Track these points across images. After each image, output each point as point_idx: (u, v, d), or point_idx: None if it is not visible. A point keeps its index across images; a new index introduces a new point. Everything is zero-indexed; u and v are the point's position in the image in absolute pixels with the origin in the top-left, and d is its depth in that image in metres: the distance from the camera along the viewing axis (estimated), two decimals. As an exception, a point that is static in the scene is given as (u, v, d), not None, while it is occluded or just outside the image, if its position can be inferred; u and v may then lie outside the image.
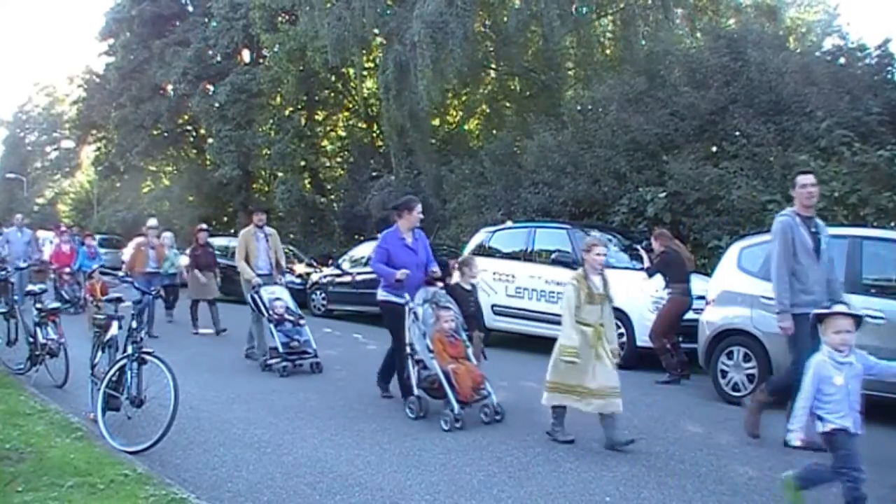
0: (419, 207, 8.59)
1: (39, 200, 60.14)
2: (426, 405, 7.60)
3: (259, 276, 10.95)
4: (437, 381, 7.44)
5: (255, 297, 10.74)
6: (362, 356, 11.62)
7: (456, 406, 7.18)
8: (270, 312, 10.55)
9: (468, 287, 8.97)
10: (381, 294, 8.33)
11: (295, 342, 10.38)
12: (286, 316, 10.64)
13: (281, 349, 10.15)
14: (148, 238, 14.24)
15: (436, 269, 8.47)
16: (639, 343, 10.95)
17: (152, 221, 15.28)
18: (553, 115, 19.13)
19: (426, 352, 7.65)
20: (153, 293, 8.58)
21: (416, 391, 7.67)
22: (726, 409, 8.42)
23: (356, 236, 25.35)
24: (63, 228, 19.55)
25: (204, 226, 16.52)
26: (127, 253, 18.03)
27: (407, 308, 7.83)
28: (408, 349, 7.77)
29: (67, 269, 17.41)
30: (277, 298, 10.78)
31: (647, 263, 10.69)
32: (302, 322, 10.76)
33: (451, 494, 5.34)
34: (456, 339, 7.85)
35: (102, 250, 20.20)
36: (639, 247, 11.52)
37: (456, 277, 9.18)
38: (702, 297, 9.87)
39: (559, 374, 6.67)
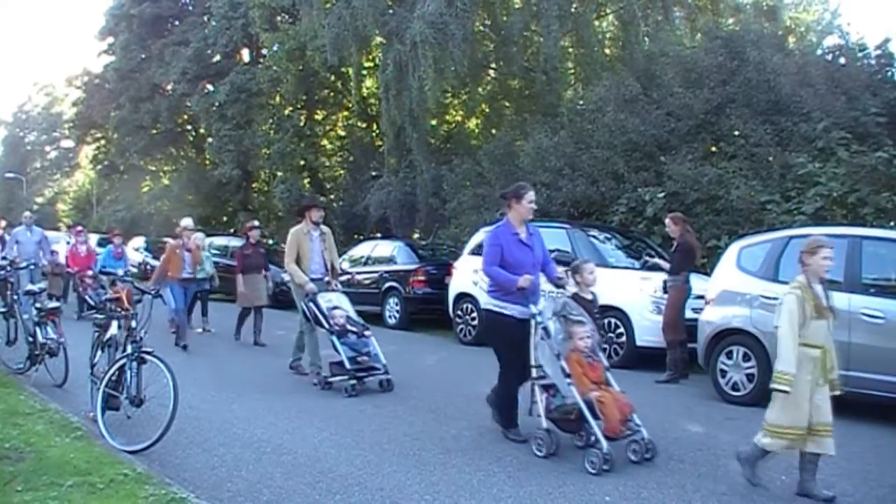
0: (531, 195, 6.95)
1: (39, 200, 60.12)
2: (556, 439, 6.37)
3: (312, 280, 9.64)
4: (575, 412, 6.18)
5: (311, 305, 9.48)
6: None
7: (604, 443, 5.90)
8: (331, 323, 9.27)
9: (589, 296, 7.46)
10: (491, 304, 6.90)
11: (363, 357, 9.11)
12: (348, 327, 9.38)
13: (348, 365, 8.87)
14: (183, 240, 12.93)
15: (559, 272, 7.24)
16: (638, 343, 10.97)
17: (187, 221, 13.58)
18: (552, 115, 19.13)
19: (561, 376, 6.30)
20: (153, 293, 8.53)
21: (545, 423, 6.36)
22: (726, 408, 8.42)
23: (355, 236, 25.36)
24: (79, 228, 17.92)
25: (256, 223, 14.99)
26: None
27: (534, 322, 6.52)
28: (535, 372, 6.49)
29: (90, 273, 15.83)
30: (336, 307, 9.55)
31: (666, 267, 10.63)
32: (367, 333, 9.44)
33: (451, 494, 5.34)
34: (595, 361, 6.58)
35: (100, 249, 18.70)
36: (649, 260, 11.51)
37: (571, 286, 7.45)
38: (701, 297, 9.88)
39: (782, 412, 5.38)
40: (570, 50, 22.69)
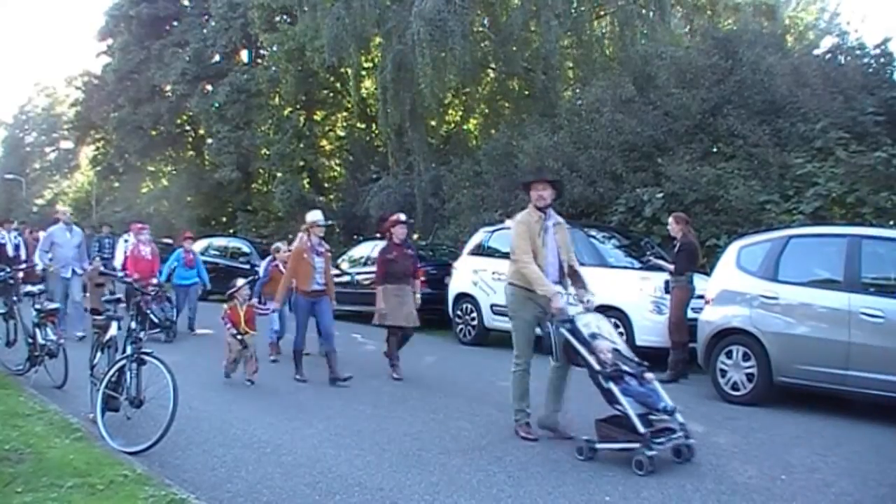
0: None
1: (38, 201, 60.06)
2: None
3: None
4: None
5: (563, 332, 6.47)
6: (361, 356, 11.62)
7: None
8: (601, 360, 6.28)
9: None
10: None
11: (658, 413, 6.13)
12: (622, 366, 6.31)
13: (640, 427, 5.89)
14: (310, 240, 9.68)
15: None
16: (638, 343, 10.94)
17: (316, 215, 9.93)
18: (551, 115, 19.13)
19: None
20: (151, 294, 8.49)
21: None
22: (726, 408, 8.41)
23: (355, 236, 25.33)
24: (140, 225, 14.35)
25: (402, 216, 10.70)
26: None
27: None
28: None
29: (154, 281, 13.00)
30: (597, 334, 6.54)
31: (668, 267, 10.61)
32: (648, 376, 6.35)
33: (451, 494, 5.33)
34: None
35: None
36: (652, 259, 11.50)
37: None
38: (701, 297, 9.88)
39: None
40: (569, 50, 22.69)
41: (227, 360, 9.39)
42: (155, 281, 13.04)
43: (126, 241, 15.99)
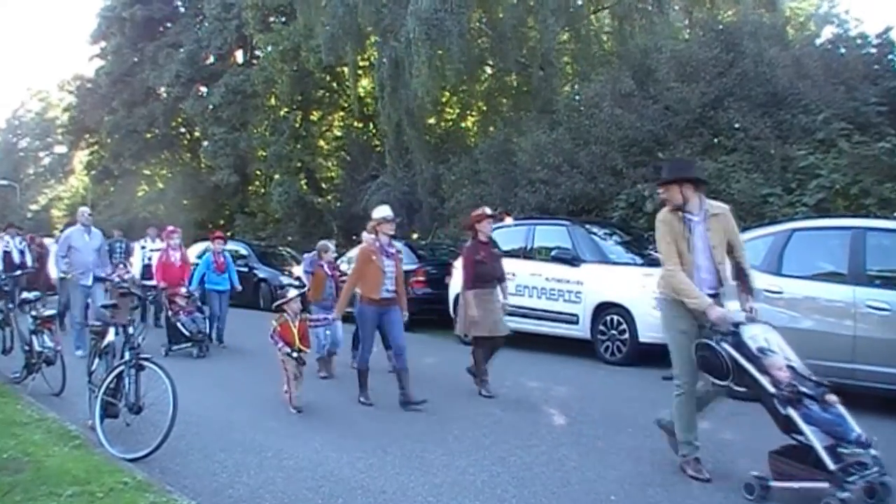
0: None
1: (33, 207, 59.97)
2: None
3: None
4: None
5: (729, 349, 5.43)
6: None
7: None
8: (777, 382, 5.23)
9: None
10: None
11: (849, 445, 4.92)
12: (801, 388, 5.22)
13: (830, 462, 4.84)
14: (379, 240, 8.50)
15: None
16: (641, 339, 10.96)
17: (384, 210, 8.71)
18: (549, 111, 19.12)
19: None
20: (148, 297, 8.43)
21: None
22: (731, 404, 8.35)
23: (353, 237, 25.31)
24: (171, 228, 13.44)
25: (488, 210, 9.58)
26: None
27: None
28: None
29: (183, 291, 12.36)
30: (766, 349, 5.46)
31: None
32: (830, 398, 5.19)
33: (455, 496, 5.33)
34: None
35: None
36: (654, 252, 11.49)
37: None
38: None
39: None
40: (567, 45, 22.68)
41: (286, 386, 8.13)
42: (184, 290, 12.40)
43: (143, 247, 15.62)
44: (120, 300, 8.02)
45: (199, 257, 14.64)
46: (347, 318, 9.49)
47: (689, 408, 5.81)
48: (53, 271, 13.55)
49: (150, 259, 14.89)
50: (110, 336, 7.27)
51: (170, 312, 12.09)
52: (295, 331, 8.30)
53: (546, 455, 6.30)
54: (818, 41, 18.25)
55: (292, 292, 8.89)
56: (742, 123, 14.91)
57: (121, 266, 13.85)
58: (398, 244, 10.18)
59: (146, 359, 6.52)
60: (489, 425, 7.28)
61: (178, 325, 11.84)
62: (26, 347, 9.09)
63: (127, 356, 6.64)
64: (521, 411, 7.75)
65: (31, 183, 61.38)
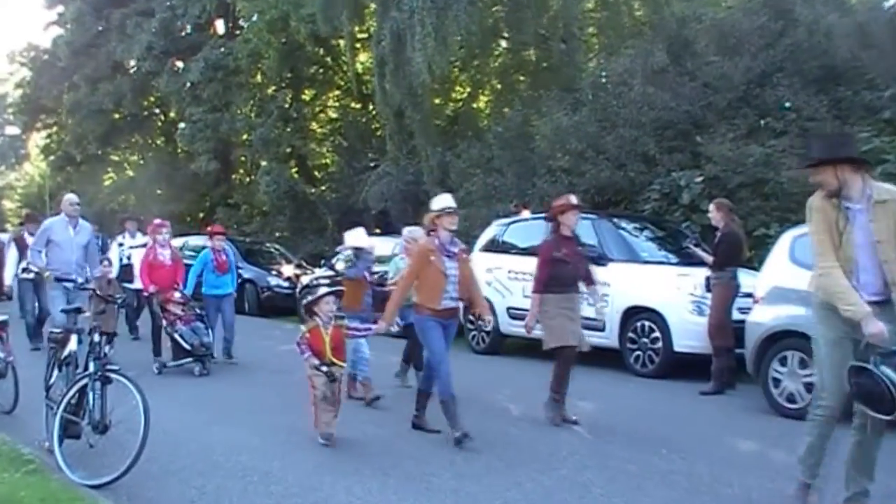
0: None
1: (-19, 196, 59.98)
2: None
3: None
4: None
5: (890, 372, 4.84)
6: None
7: None
8: None
9: None
10: None
11: None
12: None
13: None
14: (438, 235, 7.84)
15: None
16: (676, 349, 10.90)
17: (445, 200, 8.03)
18: (572, 90, 19.06)
19: None
20: (122, 300, 8.25)
21: None
22: (780, 423, 8.35)
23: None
24: (159, 221, 12.83)
25: (573, 198, 9.07)
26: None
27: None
28: None
29: (177, 296, 11.87)
30: None
31: (708, 259, 10.55)
32: None
33: (465, 527, 5.31)
34: None
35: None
36: (690, 246, 11.44)
37: None
38: (749, 295, 9.81)
39: None
40: (593, 14, 22.61)
41: (313, 407, 7.57)
42: (178, 295, 11.84)
43: (121, 244, 15.22)
44: (107, 306, 8.01)
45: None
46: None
47: (824, 435, 5.40)
48: (8, 273, 13.45)
49: (129, 258, 14.58)
50: (72, 345, 7.15)
51: (164, 322, 11.50)
52: (327, 339, 7.67)
53: (568, 480, 6.27)
54: (886, 4, 18.06)
55: (323, 289, 8.10)
56: (793, 102, 14.83)
57: (106, 263, 13.26)
58: (401, 239, 9.96)
59: (114, 370, 6.46)
60: (503, 446, 7.23)
61: (177, 336, 11.26)
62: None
63: (92, 367, 6.55)
64: (539, 429, 7.71)
65: (-24, 170, 61.27)
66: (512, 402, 8.90)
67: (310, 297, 7.93)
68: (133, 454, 5.95)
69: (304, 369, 7.65)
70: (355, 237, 10.19)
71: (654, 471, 6.48)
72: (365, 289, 9.90)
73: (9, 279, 13.51)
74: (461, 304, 7.99)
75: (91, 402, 6.41)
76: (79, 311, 7.48)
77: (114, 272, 13.84)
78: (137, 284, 13.09)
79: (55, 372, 7.36)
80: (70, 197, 11.54)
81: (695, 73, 16.38)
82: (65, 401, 6.52)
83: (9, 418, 8.35)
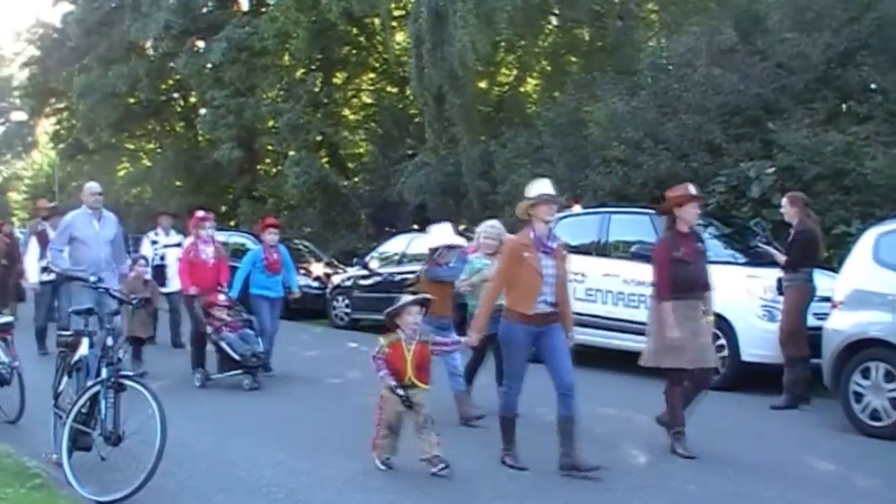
0: None
1: (-14, 187, 60.74)
2: None
3: None
4: None
5: None
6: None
7: None
8: None
9: None
10: None
11: None
12: None
13: None
14: (535, 230, 7.25)
15: None
16: (745, 358, 10.80)
17: (543, 185, 7.44)
18: (629, 73, 18.99)
19: None
20: (134, 302, 8.26)
21: None
22: (862, 442, 8.25)
23: (387, 228, 25.37)
24: (201, 214, 12.50)
25: (692, 188, 8.78)
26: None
27: None
28: None
29: (222, 298, 11.48)
30: None
31: (780, 258, 10.44)
32: None
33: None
34: None
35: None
36: (760, 244, 11.33)
37: None
38: (826, 299, 9.70)
39: None
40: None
41: (377, 431, 7.30)
42: (223, 297, 11.48)
43: (154, 241, 14.92)
44: (122, 307, 7.94)
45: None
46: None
47: None
48: (32, 270, 13.45)
49: (162, 258, 14.41)
50: (83, 349, 7.20)
51: (209, 329, 11.08)
52: (409, 357, 7.20)
53: (623, 501, 6.23)
54: None
55: (406, 297, 7.70)
56: (880, 84, 14.67)
57: (142, 262, 12.86)
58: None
59: (128, 376, 6.50)
60: (550, 462, 7.18)
61: (224, 345, 10.88)
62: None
63: (104, 374, 6.59)
64: (590, 446, 7.65)
65: (-20, 158, 62.07)
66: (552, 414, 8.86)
67: (392, 308, 7.45)
68: (148, 468, 5.97)
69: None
70: (446, 234, 9.74)
71: (719, 493, 6.43)
72: (451, 292, 9.44)
73: (33, 276, 13.40)
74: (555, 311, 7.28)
75: (103, 410, 6.44)
76: (90, 312, 7.50)
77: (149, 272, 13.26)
78: (171, 287, 13.14)
79: (64, 378, 7.40)
80: (91, 186, 10.88)
81: (766, 52, 16.22)
82: (75, 409, 6.57)
83: (14, 428, 8.44)
